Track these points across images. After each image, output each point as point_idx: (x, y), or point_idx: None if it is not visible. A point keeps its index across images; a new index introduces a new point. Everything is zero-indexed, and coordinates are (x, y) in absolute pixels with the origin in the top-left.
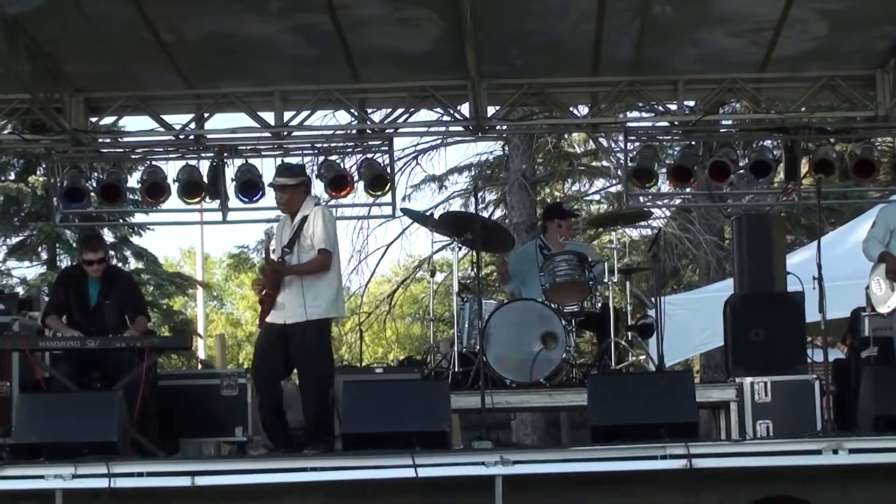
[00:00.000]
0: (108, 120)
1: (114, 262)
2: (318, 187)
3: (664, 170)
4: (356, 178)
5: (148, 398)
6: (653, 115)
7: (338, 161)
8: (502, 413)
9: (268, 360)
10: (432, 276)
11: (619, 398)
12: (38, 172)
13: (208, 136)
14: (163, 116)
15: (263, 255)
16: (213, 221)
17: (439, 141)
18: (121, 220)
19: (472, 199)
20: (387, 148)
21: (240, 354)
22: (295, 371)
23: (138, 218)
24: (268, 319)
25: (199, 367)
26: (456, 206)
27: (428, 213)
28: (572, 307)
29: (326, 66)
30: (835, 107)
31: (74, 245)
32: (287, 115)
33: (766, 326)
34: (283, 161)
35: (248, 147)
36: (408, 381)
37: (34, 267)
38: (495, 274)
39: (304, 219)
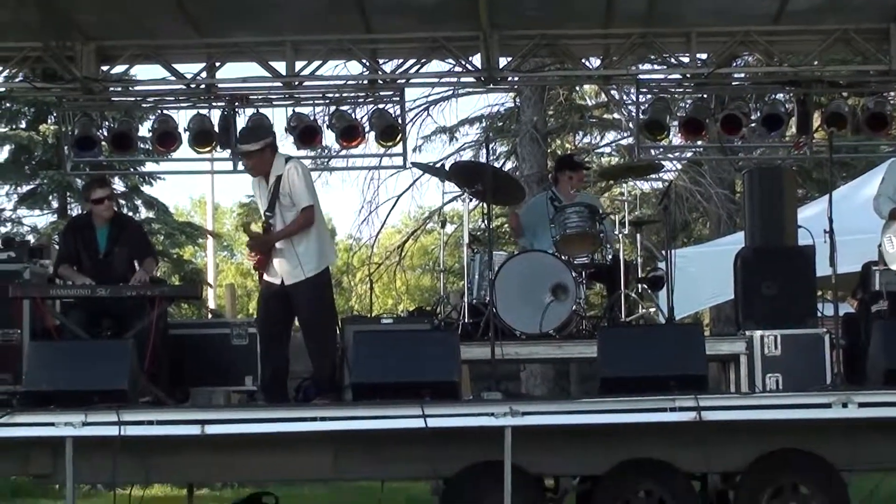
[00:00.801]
0: (119, 69)
1: (124, 210)
2: (329, 138)
3: (676, 122)
4: (367, 128)
5: (158, 347)
6: (665, 67)
7: (349, 111)
8: (512, 364)
9: (272, 322)
10: (443, 227)
11: (628, 350)
12: (49, 121)
13: (219, 86)
14: (174, 65)
15: (243, 230)
16: (224, 171)
17: (450, 92)
18: (132, 169)
19: (483, 151)
20: (398, 99)
21: (250, 304)
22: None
23: (149, 167)
24: (266, 278)
25: (209, 316)
26: (467, 157)
27: (438, 165)
28: (583, 259)
29: (338, 16)
30: (848, 60)
31: None
32: (298, 64)
33: (776, 280)
34: (244, 125)
35: (259, 97)
36: (418, 332)
37: (45, 215)
38: (507, 227)
39: (279, 178)
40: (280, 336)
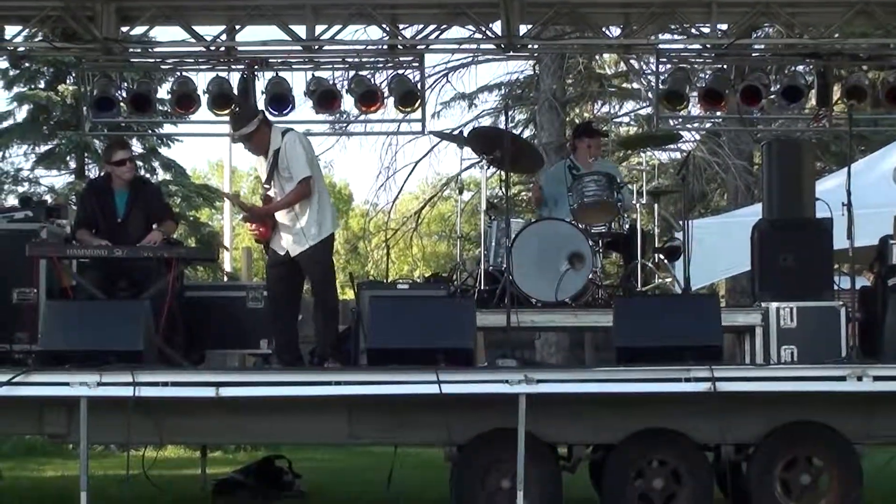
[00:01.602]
0: (139, 29)
1: (142, 172)
2: (348, 102)
3: (695, 93)
4: (386, 93)
5: (174, 309)
6: (685, 37)
7: (368, 76)
8: (527, 332)
9: (281, 289)
10: (460, 193)
11: (644, 320)
12: (68, 81)
13: (239, 49)
14: (194, 27)
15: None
16: None
17: (470, 59)
18: (150, 131)
19: (502, 118)
20: (418, 64)
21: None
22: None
23: (167, 129)
24: (272, 246)
25: (226, 279)
26: (485, 124)
27: (456, 133)
28: (600, 228)
29: None
30: (868, 33)
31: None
32: (318, 28)
33: (793, 252)
34: (232, 108)
35: (279, 60)
36: (434, 298)
37: (62, 175)
38: (524, 195)
39: (277, 151)
40: (289, 303)
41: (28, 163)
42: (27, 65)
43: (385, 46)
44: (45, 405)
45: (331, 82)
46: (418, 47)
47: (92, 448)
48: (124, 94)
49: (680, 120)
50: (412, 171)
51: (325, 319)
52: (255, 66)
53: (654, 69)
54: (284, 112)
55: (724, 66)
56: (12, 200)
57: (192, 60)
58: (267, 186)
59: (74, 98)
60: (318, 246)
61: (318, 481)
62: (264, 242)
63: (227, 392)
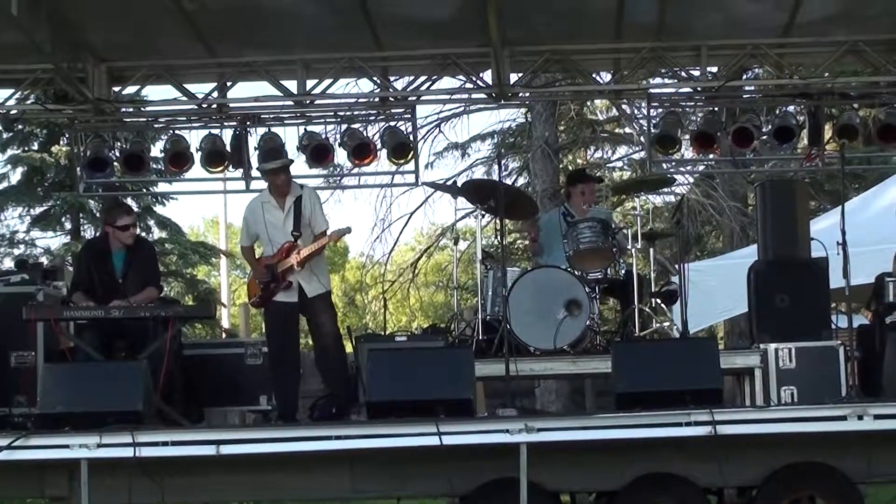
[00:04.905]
0: (131, 89)
1: (137, 231)
2: (340, 156)
3: (687, 136)
4: (379, 146)
5: (173, 367)
6: (676, 81)
7: (360, 129)
8: (526, 380)
9: (287, 344)
10: (455, 244)
11: (643, 365)
12: (61, 142)
13: (231, 105)
14: (185, 85)
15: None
16: (237, 190)
17: (462, 108)
18: (144, 190)
19: (495, 167)
20: (409, 116)
21: (263, 324)
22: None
23: (161, 187)
24: (278, 299)
25: (223, 336)
26: (479, 173)
27: (450, 183)
28: (596, 274)
29: (349, 33)
30: (859, 72)
31: (98, 214)
32: (310, 83)
33: (790, 293)
34: (264, 145)
35: (271, 116)
36: (432, 349)
37: (58, 237)
38: (520, 244)
39: (299, 199)
40: (296, 356)
41: (23, 225)
42: (20, 127)
43: (376, 99)
44: (46, 468)
45: (323, 136)
46: (410, 98)
47: None
48: (117, 154)
49: (673, 163)
50: (407, 222)
51: (338, 359)
52: (248, 122)
53: (646, 113)
54: None
55: (716, 109)
56: (8, 263)
57: (184, 118)
58: (297, 234)
59: (68, 159)
60: (329, 293)
61: None
62: (261, 301)
63: (227, 450)
